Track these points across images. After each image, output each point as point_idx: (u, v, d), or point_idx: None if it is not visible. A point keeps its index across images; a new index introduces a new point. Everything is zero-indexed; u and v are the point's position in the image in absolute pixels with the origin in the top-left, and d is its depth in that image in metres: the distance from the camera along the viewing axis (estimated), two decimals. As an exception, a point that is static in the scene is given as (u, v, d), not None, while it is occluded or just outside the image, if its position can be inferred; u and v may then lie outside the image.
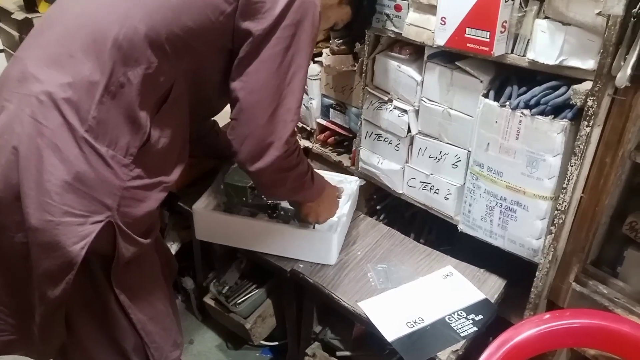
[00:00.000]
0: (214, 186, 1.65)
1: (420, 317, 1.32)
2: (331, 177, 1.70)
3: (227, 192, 1.55)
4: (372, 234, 1.64)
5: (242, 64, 1.09)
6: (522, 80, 1.26)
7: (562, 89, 1.17)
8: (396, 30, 1.42)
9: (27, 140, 0.96)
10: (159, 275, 1.25)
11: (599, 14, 1.03)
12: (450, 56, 1.35)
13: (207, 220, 1.58)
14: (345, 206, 1.59)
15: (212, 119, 1.65)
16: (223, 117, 1.43)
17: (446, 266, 1.50)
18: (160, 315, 1.22)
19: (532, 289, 1.35)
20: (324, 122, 1.85)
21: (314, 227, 1.51)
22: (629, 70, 1.01)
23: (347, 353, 1.58)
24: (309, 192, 1.32)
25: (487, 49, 1.20)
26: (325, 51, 1.69)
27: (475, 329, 1.29)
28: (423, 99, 1.44)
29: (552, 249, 1.27)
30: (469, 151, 1.39)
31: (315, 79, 1.79)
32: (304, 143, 1.91)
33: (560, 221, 1.23)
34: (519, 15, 1.17)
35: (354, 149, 1.74)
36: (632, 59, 1.00)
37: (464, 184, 1.43)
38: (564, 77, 1.16)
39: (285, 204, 1.55)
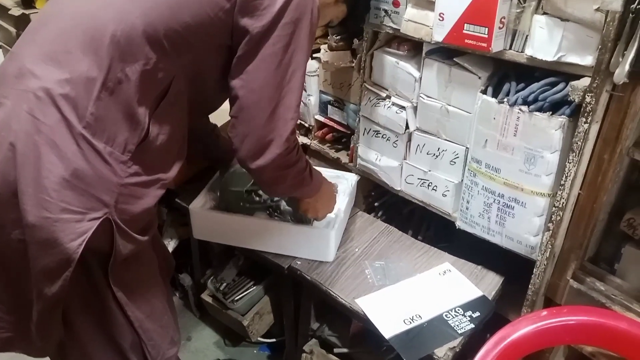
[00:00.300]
0: (211, 185, 1.65)
1: (417, 314, 1.32)
2: (329, 173, 1.70)
3: (224, 198, 1.56)
4: (370, 231, 1.64)
5: (241, 62, 1.09)
6: (520, 76, 1.26)
7: (560, 85, 1.17)
8: (394, 26, 1.42)
9: (24, 137, 0.96)
10: (157, 273, 1.25)
11: (597, 9, 1.03)
12: (448, 52, 1.35)
13: (204, 220, 1.58)
14: (343, 203, 1.58)
15: (213, 123, 1.66)
16: (222, 116, 1.43)
17: (444, 263, 1.50)
18: (158, 312, 1.21)
19: (530, 286, 1.35)
20: (322, 119, 1.85)
21: (312, 224, 1.51)
22: (627, 67, 1.01)
23: (345, 350, 1.59)
24: (307, 188, 1.32)
25: (485, 45, 1.20)
26: (323, 47, 1.69)
27: (472, 325, 1.29)
28: (421, 95, 1.44)
29: (550, 246, 1.27)
30: (467, 148, 1.39)
31: (313, 76, 1.79)
32: (302, 139, 1.91)
33: (558, 218, 1.23)
34: (517, 11, 1.17)
35: (352, 145, 1.74)
36: (631, 55, 1.00)
37: (462, 180, 1.43)
38: (562, 73, 1.16)
39: (284, 205, 1.55)
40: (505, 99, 1.22)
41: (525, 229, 1.31)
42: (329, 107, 1.80)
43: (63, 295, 1.03)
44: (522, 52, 1.20)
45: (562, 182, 1.20)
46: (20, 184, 0.96)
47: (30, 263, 1.00)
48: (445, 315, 1.32)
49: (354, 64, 1.63)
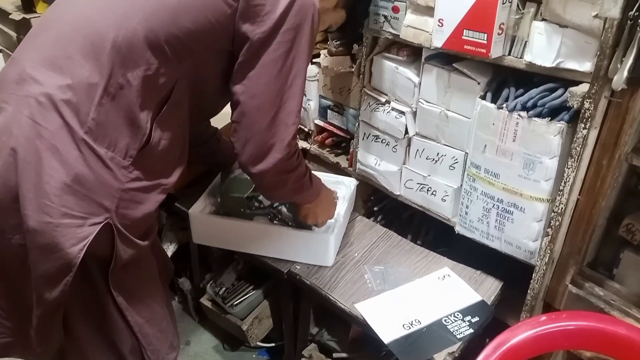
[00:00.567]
0: (210, 189, 1.65)
1: (416, 319, 1.32)
2: (328, 178, 1.71)
3: (224, 204, 1.56)
4: (369, 236, 1.64)
5: (243, 68, 1.09)
6: (519, 82, 1.26)
7: (559, 91, 1.17)
8: (394, 31, 1.42)
9: (25, 142, 0.96)
10: (156, 277, 1.25)
11: (595, 16, 1.04)
12: (447, 58, 1.35)
13: (203, 224, 1.58)
14: (342, 207, 1.59)
15: (214, 126, 1.66)
16: (223, 120, 1.44)
17: (443, 268, 1.50)
18: (158, 317, 1.21)
19: (529, 291, 1.35)
20: (321, 124, 1.85)
21: (311, 229, 1.51)
22: (625, 73, 1.01)
23: (344, 355, 1.58)
24: (307, 193, 1.32)
25: (484, 50, 1.20)
26: (323, 52, 1.69)
27: (471, 330, 1.29)
28: (420, 100, 1.44)
29: (549, 251, 1.27)
30: (466, 153, 1.39)
31: (313, 80, 1.80)
32: (301, 144, 1.91)
33: (557, 223, 1.23)
34: (516, 17, 1.17)
35: (351, 150, 1.74)
36: (629, 62, 1.01)
37: (461, 185, 1.43)
38: (561, 79, 1.17)
39: (285, 211, 1.55)
40: (504, 105, 1.23)
41: (524, 234, 1.31)
42: (329, 111, 1.80)
43: (64, 300, 1.03)
44: (521, 58, 1.20)
45: (561, 188, 1.20)
46: (21, 188, 0.96)
47: (31, 268, 1.00)
48: (445, 320, 1.32)
49: (353, 69, 1.64)
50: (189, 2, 1.03)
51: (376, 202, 1.81)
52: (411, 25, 1.36)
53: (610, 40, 1.03)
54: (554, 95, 1.17)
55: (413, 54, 1.46)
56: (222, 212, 1.58)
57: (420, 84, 1.43)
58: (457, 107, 1.37)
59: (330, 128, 1.83)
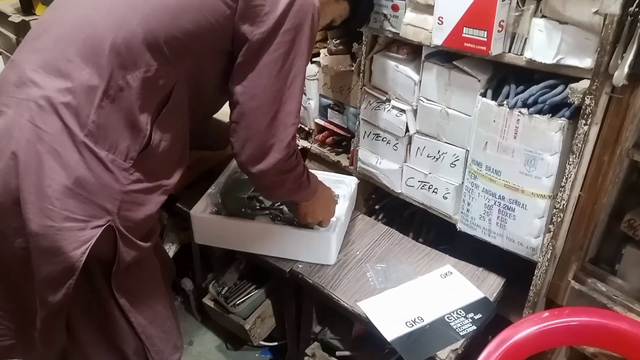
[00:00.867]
0: (212, 190, 1.65)
1: (419, 317, 1.32)
2: (329, 177, 1.71)
3: (225, 205, 1.56)
4: (371, 234, 1.64)
5: (243, 68, 1.09)
6: (520, 79, 1.26)
7: (560, 88, 1.17)
8: (394, 30, 1.42)
9: (26, 146, 0.96)
10: (159, 278, 1.25)
11: (595, 12, 1.04)
12: (447, 56, 1.35)
13: (205, 224, 1.58)
14: (343, 206, 1.59)
15: None
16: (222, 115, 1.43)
17: (445, 265, 1.50)
18: (161, 318, 1.22)
19: (531, 288, 1.35)
20: (322, 122, 1.85)
21: (313, 228, 1.51)
22: (626, 69, 1.01)
23: (347, 353, 1.58)
24: (305, 192, 1.33)
25: (484, 48, 1.20)
26: (323, 51, 1.69)
27: (474, 327, 1.29)
28: (421, 98, 1.44)
29: (551, 247, 1.27)
30: (467, 150, 1.39)
31: (313, 80, 1.80)
32: (302, 143, 1.91)
33: (559, 219, 1.24)
34: (516, 14, 1.17)
35: (352, 148, 1.74)
36: (629, 58, 1.01)
37: (463, 183, 1.43)
38: (561, 75, 1.17)
39: (287, 210, 1.55)
40: (505, 102, 1.23)
41: (526, 231, 1.31)
42: (329, 110, 1.80)
43: (66, 302, 1.03)
44: (521, 55, 1.20)
45: (563, 184, 1.20)
46: (22, 192, 0.95)
47: (34, 271, 1.00)
48: (447, 318, 1.32)
49: (353, 68, 1.64)
50: (188, 3, 1.02)
51: (377, 201, 1.81)
52: (411, 24, 1.36)
53: (610, 37, 1.03)
54: (554, 91, 1.17)
55: (413, 52, 1.46)
56: (223, 213, 1.58)
57: (420, 82, 1.43)
58: (458, 104, 1.37)
59: (331, 127, 1.83)
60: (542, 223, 1.28)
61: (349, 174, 1.76)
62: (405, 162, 1.57)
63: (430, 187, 1.52)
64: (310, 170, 1.32)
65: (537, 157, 1.22)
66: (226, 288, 1.74)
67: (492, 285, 1.44)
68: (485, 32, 1.18)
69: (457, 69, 1.33)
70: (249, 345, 1.87)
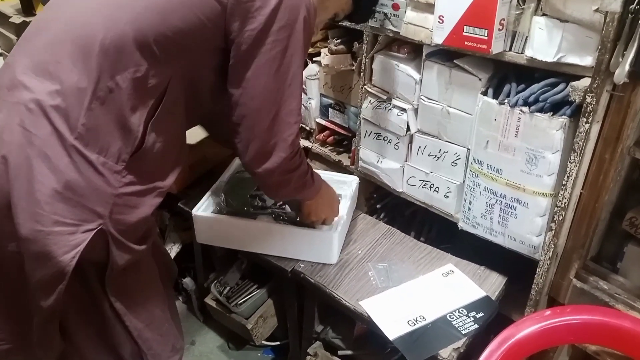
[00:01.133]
0: (213, 189, 1.65)
1: (421, 315, 1.32)
2: (330, 177, 1.71)
3: (228, 203, 1.56)
4: (373, 233, 1.64)
5: (239, 68, 1.07)
6: (521, 77, 1.26)
7: (561, 86, 1.17)
8: (394, 29, 1.42)
9: (16, 150, 0.95)
10: (157, 280, 1.23)
11: (596, 10, 1.04)
12: (448, 54, 1.35)
13: (207, 224, 1.58)
14: (345, 205, 1.59)
15: None
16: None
17: (447, 264, 1.50)
18: (158, 321, 1.20)
19: (533, 286, 1.35)
20: (323, 122, 1.85)
21: (315, 227, 1.52)
22: (627, 67, 1.01)
23: (349, 352, 1.59)
24: (309, 190, 1.33)
25: (485, 46, 1.20)
26: (324, 51, 1.69)
27: (476, 326, 1.29)
28: (422, 97, 1.44)
29: (553, 246, 1.27)
30: (468, 149, 1.39)
31: (314, 79, 1.80)
32: (303, 143, 1.91)
33: (560, 218, 1.24)
34: (517, 12, 1.17)
35: (353, 148, 1.74)
36: (630, 55, 1.01)
37: (464, 181, 1.43)
38: (562, 74, 1.17)
39: (290, 210, 1.55)
40: (506, 100, 1.23)
41: (527, 229, 1.31)
42: (330, 110, 1.81)
43: (58, 307, 1.02)
44: (522, 53, 1.20)
45: (564, 182, 1.20)
46: (13, 197, 0.94)
47: (27, 275, 0.99)
48: (449, 316, 1.32)
49: (354, 67, 1.64)
50: (178, 1, 1.00)
51: (379, 200, 1.81)
52: (411, 23, 1.36)
53: (611, 35, 1.03)
54: (555, 90, 1.17)
55: (414, 51, 1.46)
56: (225, 212, 1.58)
57: (421, 80, 1.43)
58: (459, 103, 1.37)
59: (332, 126, 1.83)
60: (544, 221, 1.28)
61: (350, 173, 1.76)
62: (406, 161, 1.57)
63: (432, 186, 1.52)
64: (312, 169, 1.32)
65: (538, 156, 1.22)
66: (228, 288, 1.74)
67: (493, 283, 1.44)
68: (486, 31, 1.18)
69: (458, 68, 1.33)
70: (251, 345, 1.87)
